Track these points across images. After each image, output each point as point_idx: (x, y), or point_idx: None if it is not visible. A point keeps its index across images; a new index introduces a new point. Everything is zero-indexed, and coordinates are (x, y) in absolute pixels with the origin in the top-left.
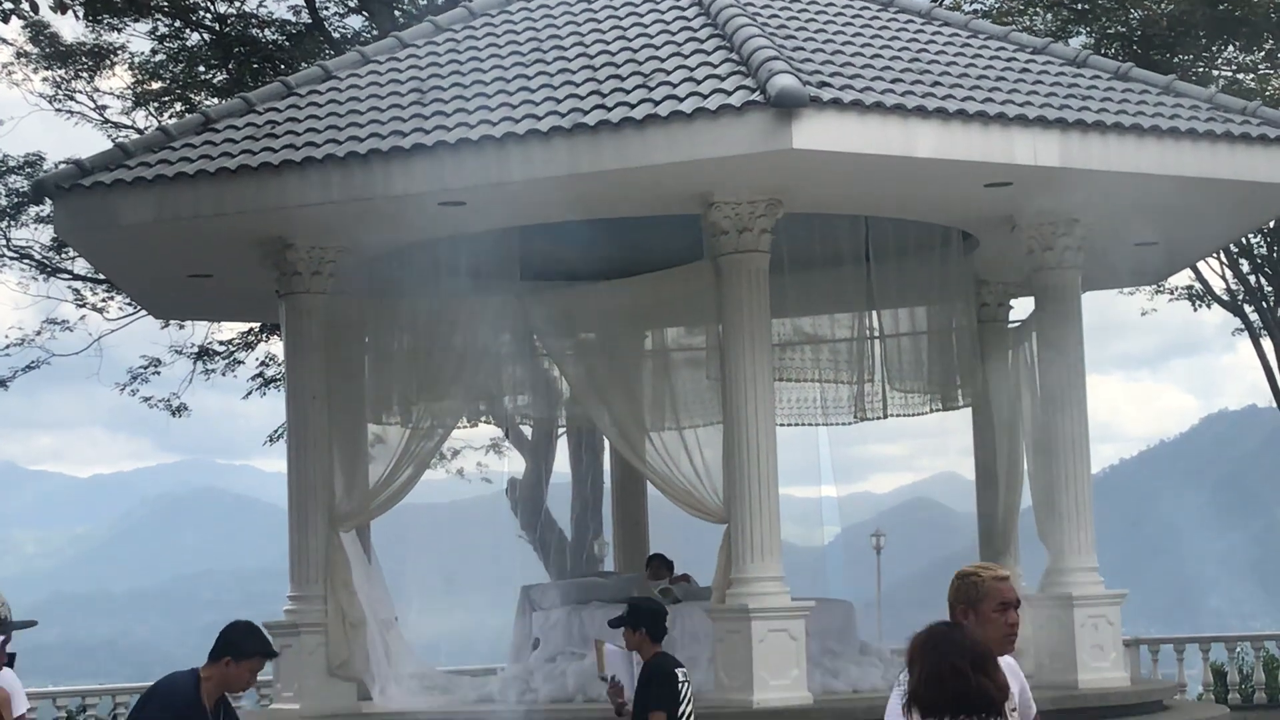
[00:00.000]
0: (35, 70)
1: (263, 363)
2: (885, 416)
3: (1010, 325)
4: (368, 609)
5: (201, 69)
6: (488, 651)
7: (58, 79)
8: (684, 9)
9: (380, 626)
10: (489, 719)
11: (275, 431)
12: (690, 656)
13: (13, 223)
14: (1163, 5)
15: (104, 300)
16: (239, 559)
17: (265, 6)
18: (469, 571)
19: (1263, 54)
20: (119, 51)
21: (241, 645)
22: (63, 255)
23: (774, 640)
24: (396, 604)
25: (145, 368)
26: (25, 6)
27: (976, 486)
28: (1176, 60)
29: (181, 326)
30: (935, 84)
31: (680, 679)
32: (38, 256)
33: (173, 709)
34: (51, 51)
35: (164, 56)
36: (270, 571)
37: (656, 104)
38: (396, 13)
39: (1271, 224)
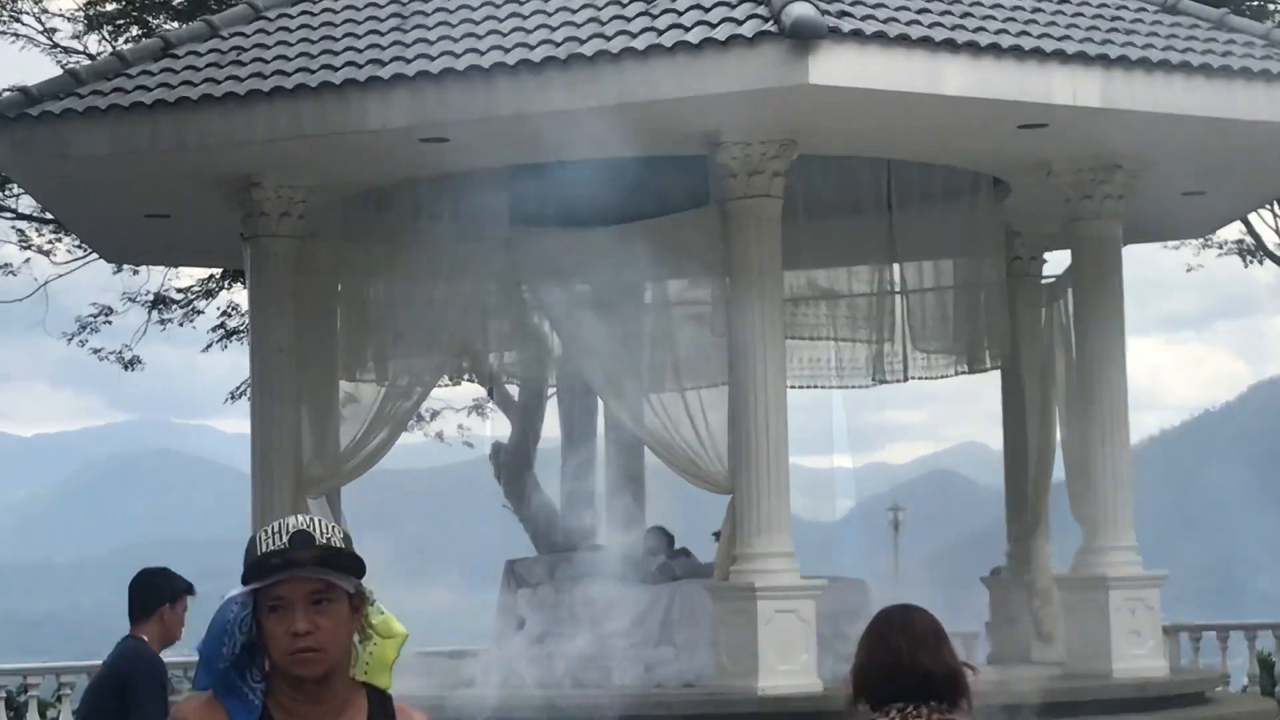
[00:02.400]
0: None
1: (224, 312)
2: (906, 379)
3: (1044, 281)
4: None
5: None
6: (468, 631)
7: None
8: None
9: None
10: (469, 705)
11: (237, 388)
12: (690, 639)
13: None
14: None
15: (51, 242)
16: (196, 528)
17: None
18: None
19: None
20: None
21: (172, 585)
22: (6, 192)
23: (782, 622)
24: (370, 577)
25: (95, 316)
26: None
27: (1004, 457)
28: None
29: (136, 271)
30: (966, 15)
31: None
32: None
33: (163, 684)
34: None
35: None
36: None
37: (660, 34)
38: None
39: None
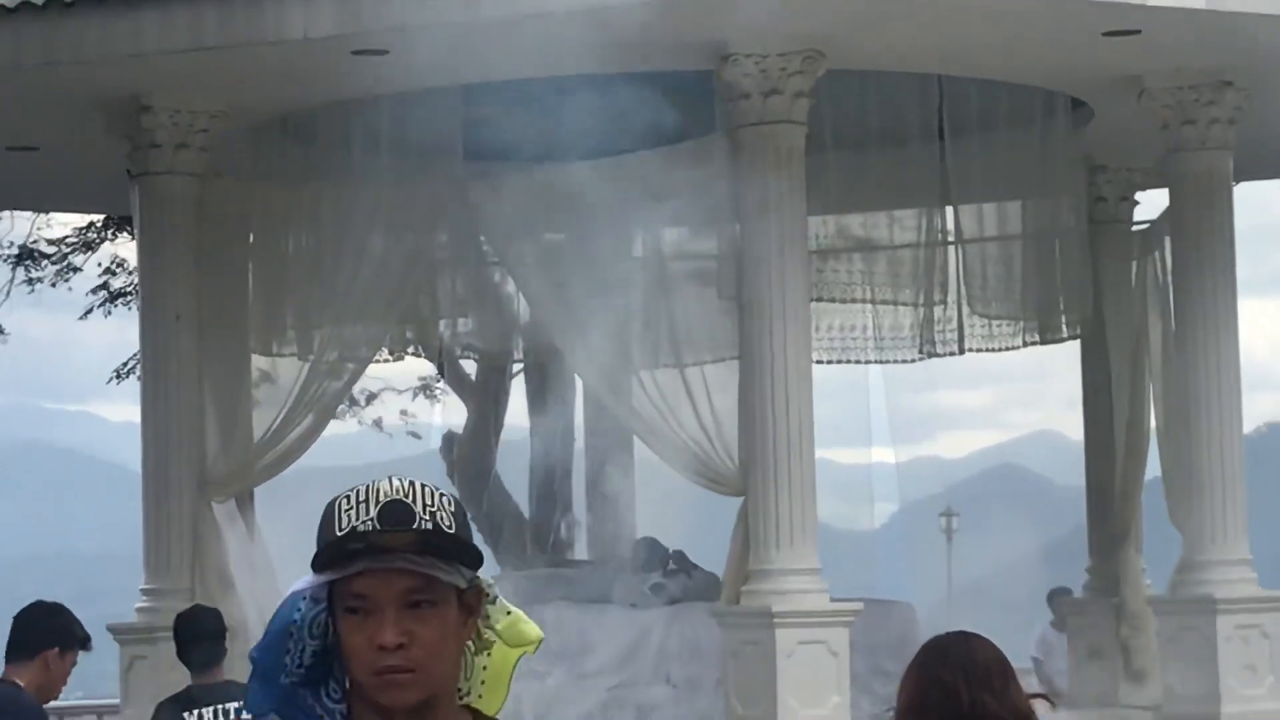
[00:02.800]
0: None
1: (107, 270)
2: (961, 352)
3: (1135, 227)
4: (250, 607)
5: None
6: None
7: None
8: None
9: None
10: None
11: (124, 365)
12: (691, 677)
13: None
14: None
15: None
16: (74, 539)
17: None
18: None
19: None
20: None
21: (67, 630)
22: None
23: (807, 655)
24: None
25: None
26: None
27: (1085, 450)
28: None
29: None
30: None
31: None
32: None
33: None
34: None
35: None
36: (116, 556)
37: None
38: None
39: None
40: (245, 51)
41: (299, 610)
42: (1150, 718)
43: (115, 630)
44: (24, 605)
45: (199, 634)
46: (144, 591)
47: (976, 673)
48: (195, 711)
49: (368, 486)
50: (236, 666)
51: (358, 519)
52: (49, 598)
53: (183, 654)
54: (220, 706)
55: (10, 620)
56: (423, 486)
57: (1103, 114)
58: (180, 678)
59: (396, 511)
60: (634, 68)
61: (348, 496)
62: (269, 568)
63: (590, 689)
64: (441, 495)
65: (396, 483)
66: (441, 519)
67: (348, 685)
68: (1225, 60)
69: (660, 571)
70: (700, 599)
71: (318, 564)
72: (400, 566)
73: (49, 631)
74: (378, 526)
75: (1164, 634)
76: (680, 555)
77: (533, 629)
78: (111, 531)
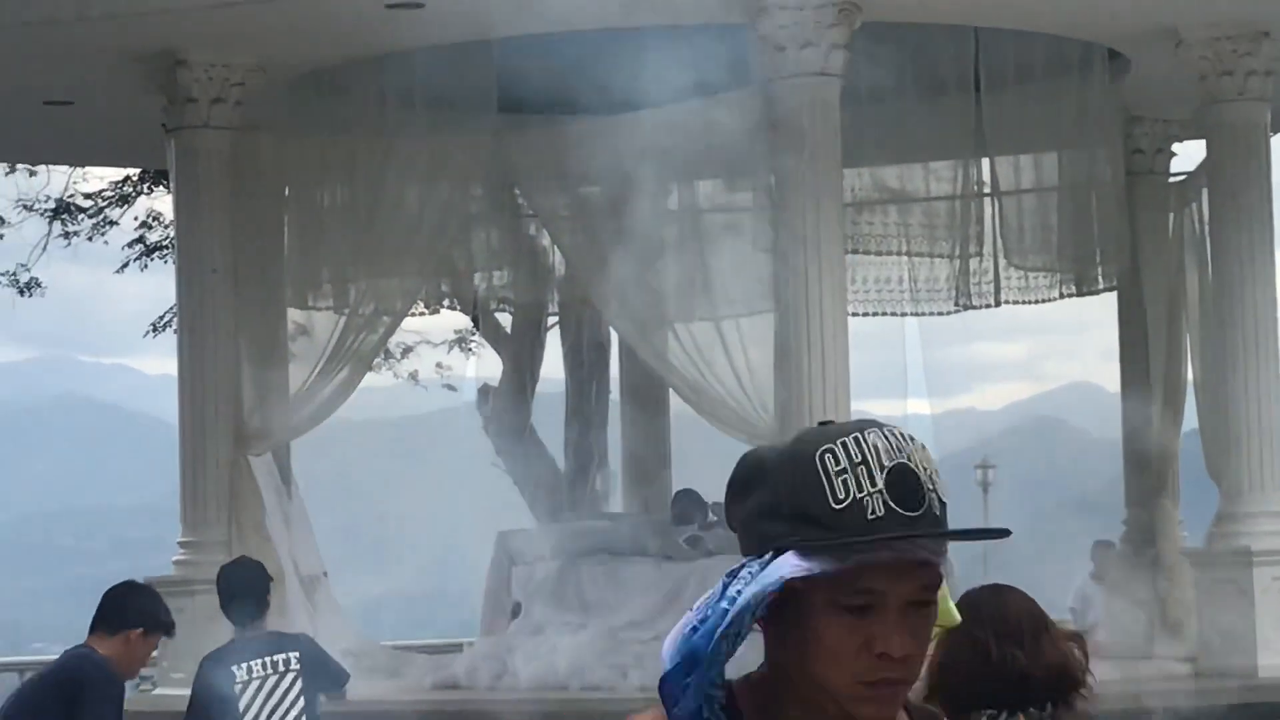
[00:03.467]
0: None
1: (144, 223)
2: (997, 304)
3: (1172, 179)
4: (287, 561)
5: None
6: (450, 621)
7: None
8: None
9: (304, 585)
10: (453, 711)
11: (160, 319)
12: None
13: None
14: None
15: None
16: (110, 493)
17: None
18: (425, 511)
19: None
20: None
21: (156, 614)
22: None
23: None
24: (326, 555)
25: None
26: None
27: (1121, 401)
28: None
29: (33, 173)
30: None
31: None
32: None
33: (119, 700)
34: None
35: None
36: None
37: None
38: None
39: None
40: (280, 6)
41: (756, 591)
42: (1186, 669)
43: (152, 583)
44: (68, 564)
45: (244, 587)
46: (181, 544)
47: (1006, 628)
48: (245, 665)
49: (854, 438)
50: (272, 618)
51: (862, 489)
52: (85, 549)
53: (226, 607)
54: (269, 659)
55: (47, 578)
56: (910, 439)
57: (1140, 65)
58: (220, 630)
59: (909, 483)
60: (669, 21)
61: (831, 452)
62: (306, 522)
63: (625, 642)
64: (924, 447)
65: (891, 437)
66: (940, 491)
67: (727, 679)
68: (1263, 11)
69: (696, 524)
70: (735, 551)
71: (809, 538)
72: (923, 559)
73: (137, 611)
74: (896, 508)
75: (1200, 586)
76: (718, 507)
77: (952, 609)
78: (148, 485)
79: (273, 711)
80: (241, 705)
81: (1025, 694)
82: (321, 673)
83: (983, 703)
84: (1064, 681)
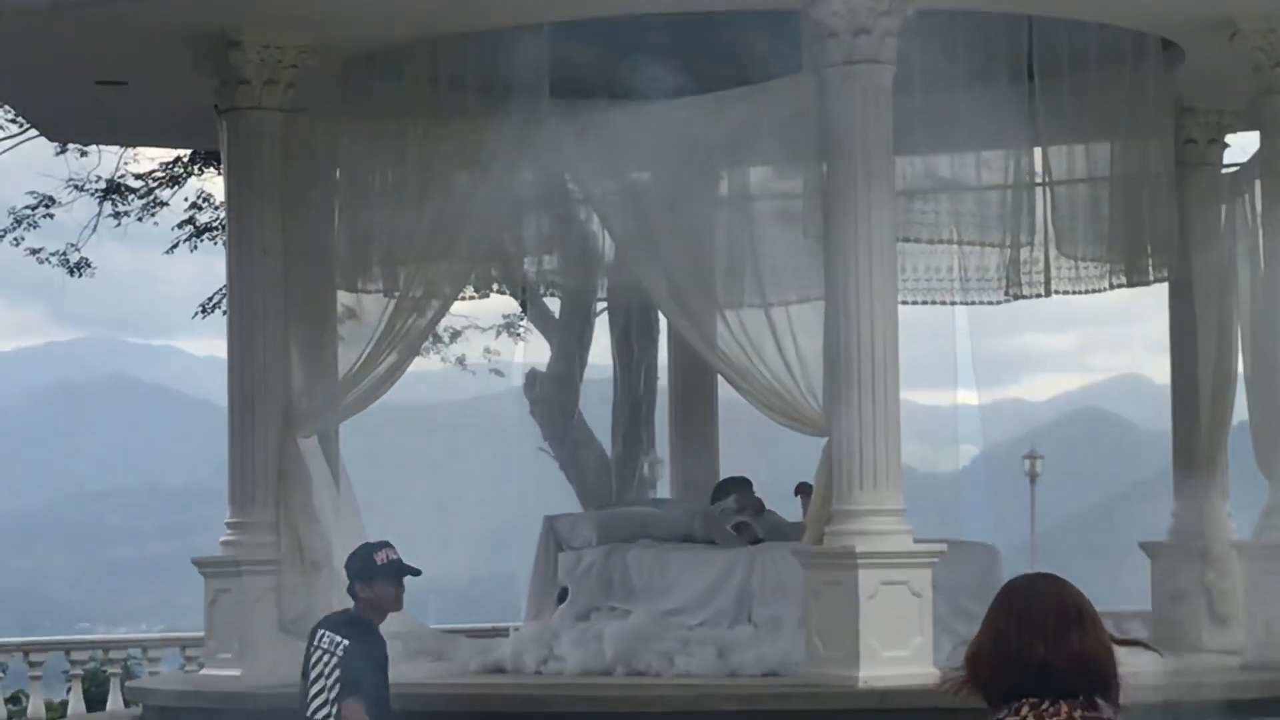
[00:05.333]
0: None
1: (194, 204)
2: (1048, 294)
3: (1225, 170)
4: (335, 543)
5: None
6: (496, 605)
7: None
8: None
9: None
10: (498, 696)
11: (210, 300)
12: (773, 616)
13: None
14: None
15: None
16: (158, 472)
17: None
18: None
19: None
20: None
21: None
22: None
23: (889, 596)
24: (373, 537)
25: (34, 209)
26: None
27: (1171, 393)
28: None
29: (84, 153)
30: None
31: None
32: None
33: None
34: None
35: None
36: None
37: None
38: None
39: None
40: None
41: None
42: (1234, 662)
43: (200, 564)
44: (115, 544)
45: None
46: (229, 525)
47: (1030, 618)
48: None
49: None
50: (320, 600)
51: None
52: (133, 530)
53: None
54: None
55: (94, 556)
56: None
57: (1193, 55)
58: (264, 611)
59: None
60: (721, 6)
61: None
62: (353, 504)
63: (671, 627)
64: None
65: None
66: None
67: None
68: None
69: (744, 512)
70: (783, 539)
71: None
72: None
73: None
74: None
75: (1249, 578)
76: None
77: None
78: (197, 466)
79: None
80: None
81: (1048, 684)
82: None
83: (1016, 693)
84: (1092, 675)
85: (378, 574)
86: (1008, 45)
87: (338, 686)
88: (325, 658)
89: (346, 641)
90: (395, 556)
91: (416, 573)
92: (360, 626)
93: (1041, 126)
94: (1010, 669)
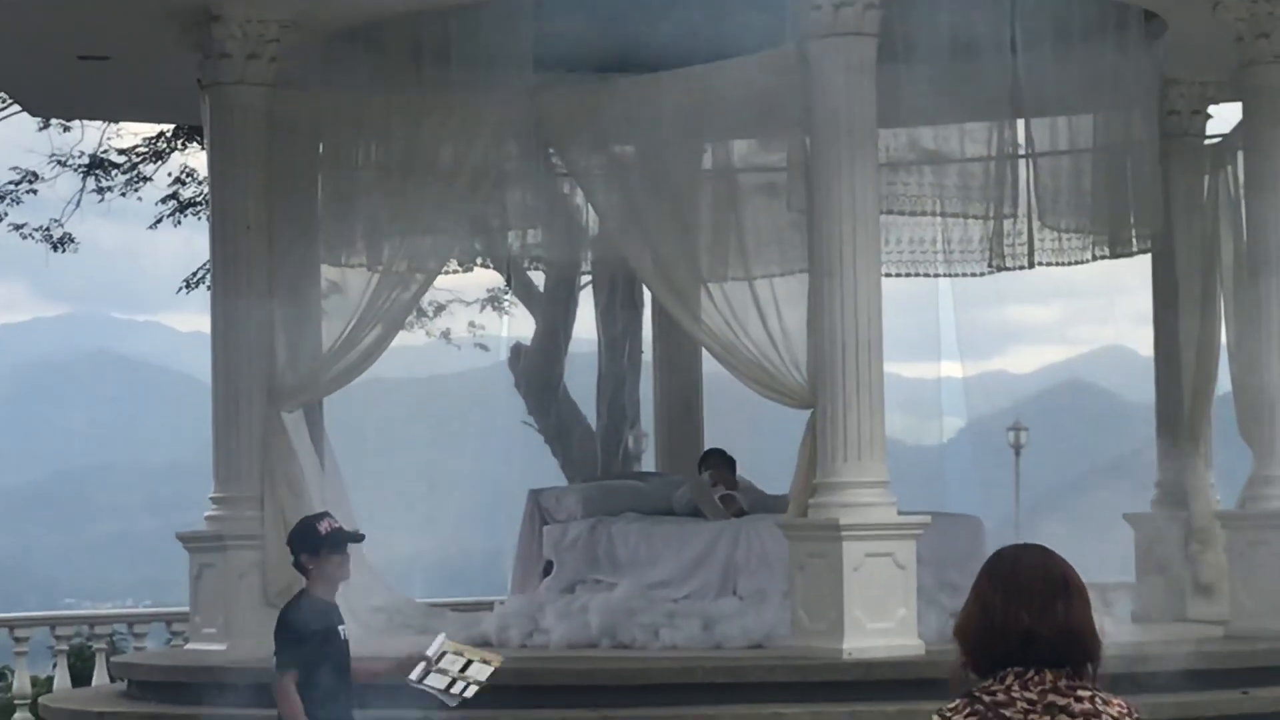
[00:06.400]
0: None
1: (177, 179)
2: (1031, 265)
3: (1208, 141)
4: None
5: None
6: (481, 579)
7: None
8: None
9: None
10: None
11: (194, 275)
12: (758, 589)
13: None
14: None
15: None
16: (143, 448)
17: None
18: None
19: None
20: None
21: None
22: None
23: (874, 568)
24: (357, 511)
25: (16, 184)
26: None
27: (1154, 364)
28: None
29: (67, 128)
30: None
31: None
32: None
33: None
34: None
35: None
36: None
37: None
38: None
39: None
40: None
41: None
42: (1218, 632)
43: (185, 539)
44: (101, 520)
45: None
46: (213, 500)
47: (1015, 587)
48: None
49: None
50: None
51: None
52: (119, 505)
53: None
54: None
55: (79, 533)
56: None
57: (1176, 27)
58: (249, 586)
59: None
60: None
61: None
62: (338, 479)
63: (657, 600)
64: None
65: None
66: None
67: None
68: None
69: (727, 485)
70: (767, 511)
71: None
72: None
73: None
74: None
75: (1233, 549)
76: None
77: None
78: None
79: None
80: None
81: (1033, 653)
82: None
83: (1004, 662)
84: (1077, 647)
85: (322, 544)
86: (991, 17)
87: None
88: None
89: (279, 615)
90: (337, 525)
91: (359, 538)
92: (294, 599)
93: (1025, 98)
94: (996, 638)
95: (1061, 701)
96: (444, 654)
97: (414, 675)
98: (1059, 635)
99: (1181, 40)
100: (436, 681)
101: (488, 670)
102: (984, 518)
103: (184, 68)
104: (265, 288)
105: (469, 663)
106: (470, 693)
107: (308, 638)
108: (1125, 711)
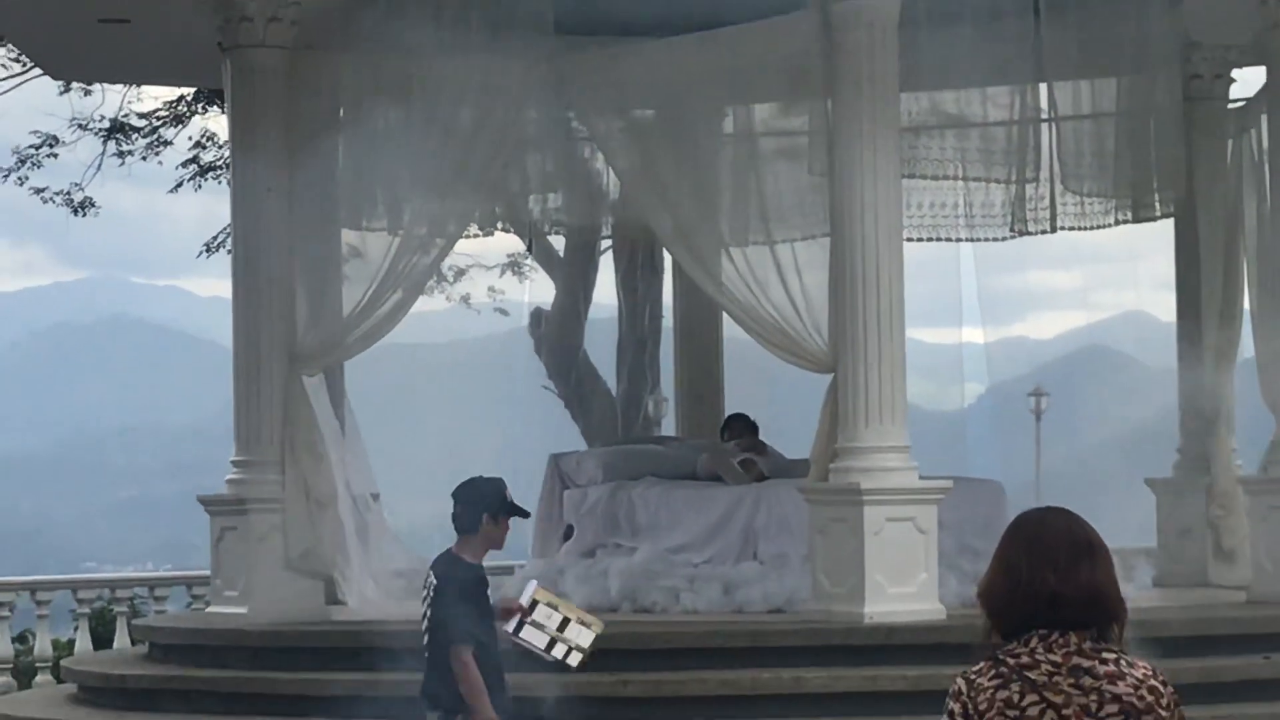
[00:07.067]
0: None
1: (198, 143)
2: (1053, 230)
3: (1231, 105)
4: (339, 481)
5: None
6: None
7: None
8: None
9: (356, 506)
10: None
11: (214, 239)
12: (779, 553)
13: None
14: None
15: None
16: (163, 412)
17: None
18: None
19: None
20: None
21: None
22: None
23: (895, 533)
24: (378, 475)
25: (36, 148)
26: None
27: (1177, 330)
28: None
29: (88, 91)
30: None
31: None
32: None
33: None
34: None
35: None
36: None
37: None
38: None
39: None
40: None
41: None
42: (1240, 597)
43: (206, 502)
44: (121, 484)
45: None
46: (234, 464)
47: (1040, 549)
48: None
49: None
50: (323, 538)
51: None
52: (138, 469)
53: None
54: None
55: (98, 497)
56: None
57: None
58: (270, 549)
59: None
60: None
61: None
62: (358, 443)
63: (677, 564)
64: None
65: None
66: None
67: None
68: None
69: (749, 449)
70: (788, 475)
71: None
72: None
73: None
74: None
75: (1254, 514)
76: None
77: None
78: (201, 405)
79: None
80: None
81: (1059, 615)
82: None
83: (1023, 623)
84: (1103, 609)
85: (504, 509)
86: None
87: (427, 623)
88: (424, 594)
89: (435, 582)
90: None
91: (526, 514)
92: (454, 563)
93: (1047, 62)
94: (1021, 600)
95: (1086, 664)
96: (535, 604)
97: (509, 627)
98: (1085, 596)
99: (1205, 3)
100: (534, 638)
101: (589, 635)
102: (1005, 482)
103: (204, 31)
104: (286, 251)
105: (565, 620)
106: (575, 660)
107: (486, 608)
108: (1150, 674)
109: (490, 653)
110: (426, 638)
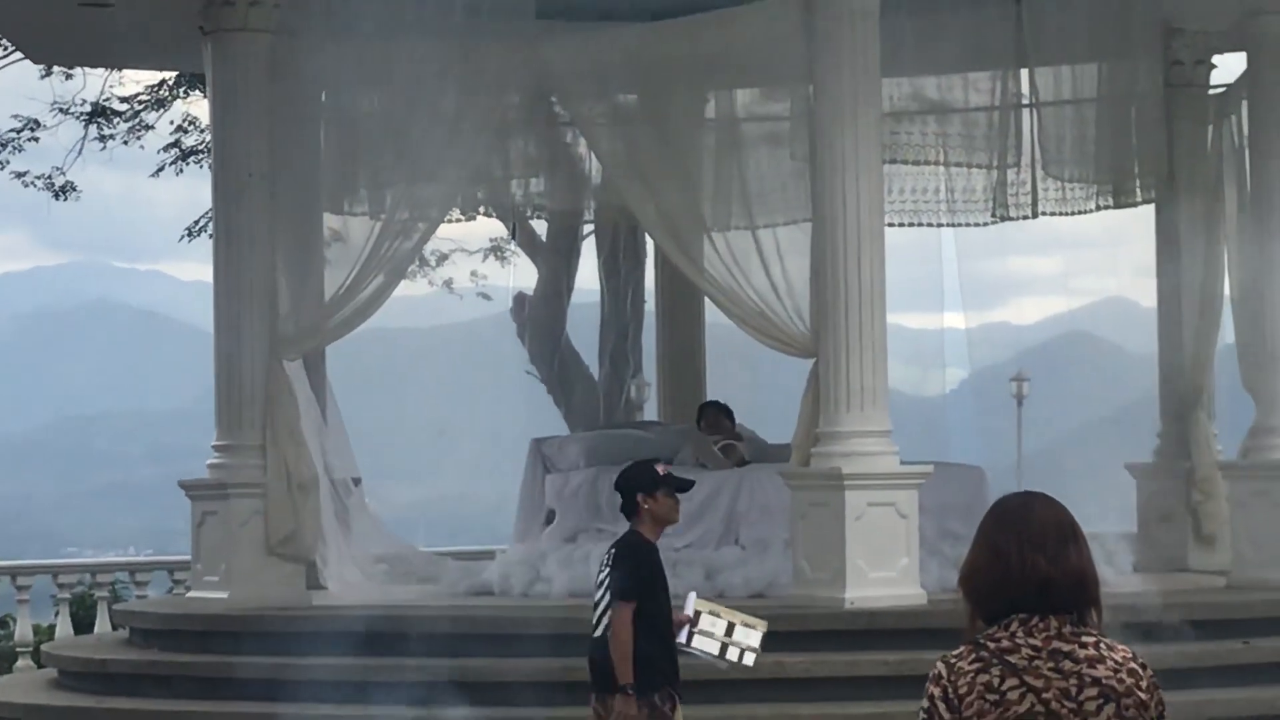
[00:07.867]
0: None
1: (179, 127)
2: (1035, 215)
3: (1212, 91)
4: (321, 466)
5: None
6: (483, 528)
7: None
8: None
9: (337, 490)
10: (485, 618)
11: (196, 224)
12: (760, 538)
13: None
14: None
15: None
16: (144, 397)
17: None
18: (459, 419)
19: None
20: None
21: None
22: None
23: (876, 517)
24: (360, 460)
25: (18, 131)
26: None
27: (1157, 315)
28: None
29: (69, 76)
30: None
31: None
32: None
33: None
34: None
35: None
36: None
37: None
38: None
39: None
40: None
41: None
42: (1220, 582)
43: (187, 487)
44: (102, 468)
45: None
46: (216, 448)
47: (1029, 533)
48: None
49: None
50: (305, 523)
51: None
52: (120, 454)
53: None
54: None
55: (80, 480)
56: None
57: None
58: (251, 534)
59: None
60: None
61: None
62: (340, 427)
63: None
64: None
65: None
66: None
67: None
68: None
69: (729, 434)
70: (769, 460)
71: None
72: None
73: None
74: None
75: (1235, 499)
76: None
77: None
78: (183, 390)
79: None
80: None
81: (1047, 599)
82: None
83: (1012, 609)
84: (1086, 593)
85: (660, 484)
86: None
87: (606, 595)
88: (600, 571)
89: (614, 551)
90: (670, 470)
91: (690, 485)
92: (629, 536)
93: (1029, 48)
94: (1011, 585)
95: (1066, 648)
96: (699, 614)
97: (680, 639)
98: (1073, 580)
99: None
100: (706, 645)
101: (756, 635)
102: (986, 468)
103: (186, 14)
104: (267, 236)
105: (730, 625)
106: (750, 660)
107: (654, 572)
108: (1129, 657)
109: (656, 623)
110: (598, 609)
